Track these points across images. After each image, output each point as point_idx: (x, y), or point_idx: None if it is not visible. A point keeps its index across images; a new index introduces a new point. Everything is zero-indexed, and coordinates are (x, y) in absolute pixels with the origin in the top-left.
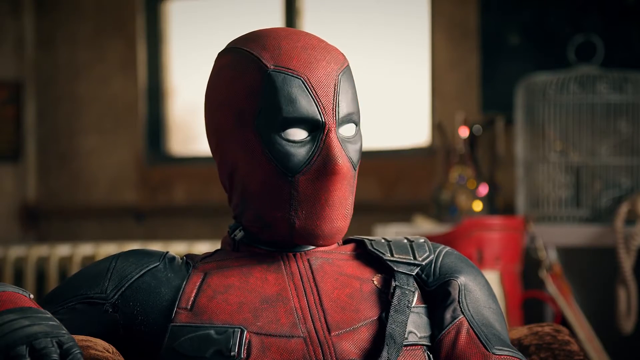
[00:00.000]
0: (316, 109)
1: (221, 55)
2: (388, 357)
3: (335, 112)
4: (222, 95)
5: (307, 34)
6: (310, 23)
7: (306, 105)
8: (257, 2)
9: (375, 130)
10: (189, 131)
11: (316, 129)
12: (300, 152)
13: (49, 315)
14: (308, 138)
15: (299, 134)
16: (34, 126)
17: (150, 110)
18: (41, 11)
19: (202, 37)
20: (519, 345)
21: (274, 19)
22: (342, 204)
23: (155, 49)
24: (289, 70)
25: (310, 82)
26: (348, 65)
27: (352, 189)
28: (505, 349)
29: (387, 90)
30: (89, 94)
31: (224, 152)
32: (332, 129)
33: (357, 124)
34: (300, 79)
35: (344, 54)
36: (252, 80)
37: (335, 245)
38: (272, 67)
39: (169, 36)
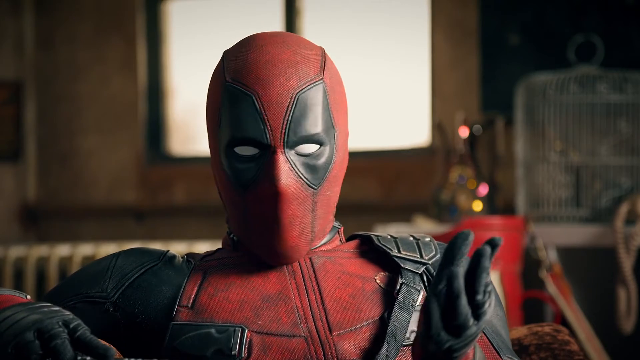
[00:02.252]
0: (263, 129)
1: None
2: (387, 355)
3: (285, 132)
4: (206, 104)
5: (284, 44)
6: (310, 23)
7: (253, 126)
8: (257, 2)
9: (375, 130)
10: (189, 131)
11: (265, 147)
12: (249, 169)
13: (48, 304)
14: (258, 154)
15: (249, 150)
16: (34, 126)
17: (150, 110)
18: (41, 11)
19: (202, 37)
20: (518, 345)
21: (274, 19)
22: (292, 224)
23: (155, 48)
24: (243, 86)
25: (260, 100)
26: (320, 81)
27: (309, 208)
28: (515, 358)
29: (387, 90)
30: (88, 94)
31: (211, 158)
32: (279, 150)
33: (322, 143)
34: (252, 96)
35: (324, 70)
36: (216, 92)
37: (338, 242)
38: (230, 80)
39: (169, 36)
